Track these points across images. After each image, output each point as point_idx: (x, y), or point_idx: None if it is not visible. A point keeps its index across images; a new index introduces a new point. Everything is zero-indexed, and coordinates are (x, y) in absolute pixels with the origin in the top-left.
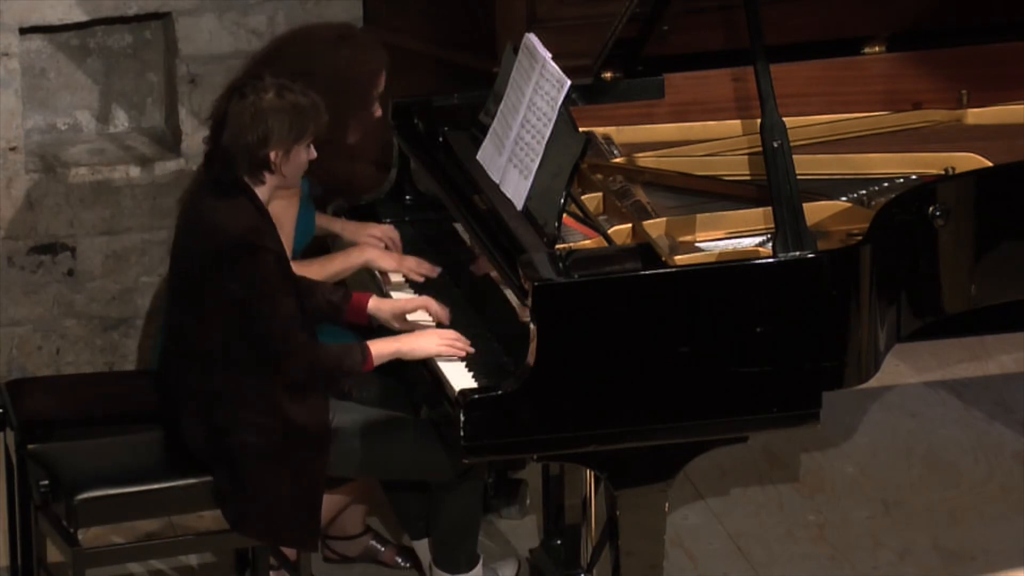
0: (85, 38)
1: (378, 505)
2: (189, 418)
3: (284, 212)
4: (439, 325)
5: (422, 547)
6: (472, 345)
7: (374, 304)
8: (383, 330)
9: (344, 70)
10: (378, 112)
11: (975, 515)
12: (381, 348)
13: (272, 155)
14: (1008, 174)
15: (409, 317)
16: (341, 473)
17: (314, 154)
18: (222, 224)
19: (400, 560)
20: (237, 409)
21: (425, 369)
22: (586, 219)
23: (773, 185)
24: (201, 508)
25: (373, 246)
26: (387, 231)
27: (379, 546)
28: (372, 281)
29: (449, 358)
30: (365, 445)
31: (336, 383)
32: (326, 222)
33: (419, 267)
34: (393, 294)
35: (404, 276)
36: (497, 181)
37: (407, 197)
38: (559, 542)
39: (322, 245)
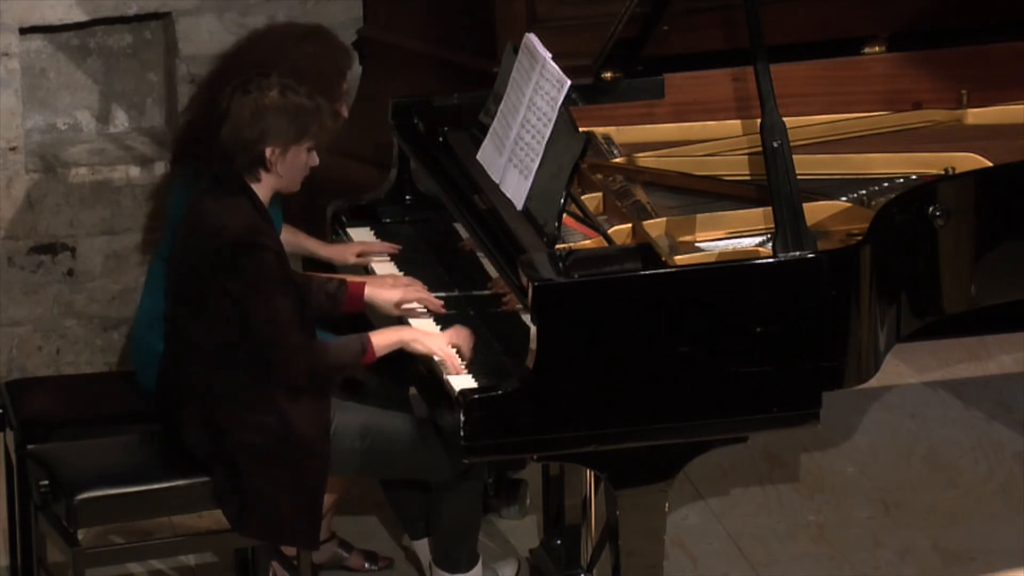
0: (85, 38)
1: (378, 505)
2: (189, 418)
3: None
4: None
5: (422, 547)
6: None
7: (371, 290)
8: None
9: (308, 66)
10: (344, 113)
11: (975, 515)
12: (382, 339)
13: (268, 152)
14: (1008, 174)
15: (405, 306)
16: (341, 473)
17: (316, 160)
18: (221, 223)
19: (367, 564)
20: (237, 409)
21: (424, 368)
22: (586, 219)
23: (773, 185)
24: (201, 508)
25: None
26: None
27: (344, 552)
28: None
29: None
30: (365, 445)
31: (339, 379)
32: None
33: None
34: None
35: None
36: (497, 181)
37: (407, 197)
38: (559, 542)
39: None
